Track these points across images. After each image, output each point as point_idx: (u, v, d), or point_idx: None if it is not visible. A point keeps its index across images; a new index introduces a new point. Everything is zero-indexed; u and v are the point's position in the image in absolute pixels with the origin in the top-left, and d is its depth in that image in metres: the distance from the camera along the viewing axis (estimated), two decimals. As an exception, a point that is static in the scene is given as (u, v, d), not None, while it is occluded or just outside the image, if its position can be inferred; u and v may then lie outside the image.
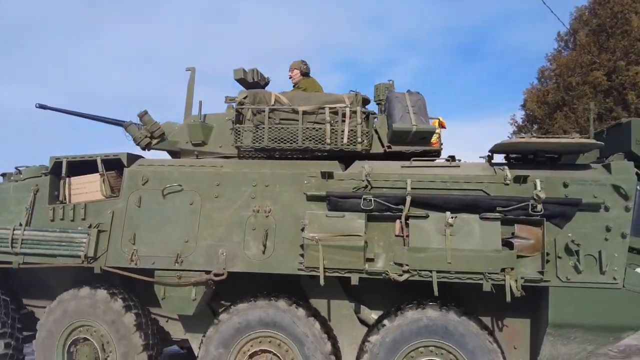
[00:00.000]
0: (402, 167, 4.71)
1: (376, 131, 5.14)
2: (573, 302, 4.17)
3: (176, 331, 5.31)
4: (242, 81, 5.75)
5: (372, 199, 4.39)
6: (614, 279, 4.13)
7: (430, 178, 4.51)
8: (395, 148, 5.04)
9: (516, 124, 22.15)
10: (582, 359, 4.36)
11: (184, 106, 5.62)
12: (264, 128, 4.82)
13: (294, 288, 4.93)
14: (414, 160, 4.74)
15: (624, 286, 4.13)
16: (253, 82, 5.80)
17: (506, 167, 4.46)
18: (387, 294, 4.76)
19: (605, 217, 4.23)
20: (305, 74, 5.82)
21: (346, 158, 4.94)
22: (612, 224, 4.20)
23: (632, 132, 4.57)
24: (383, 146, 5.09)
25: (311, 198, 4.57)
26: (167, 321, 5.35)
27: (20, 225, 4.93)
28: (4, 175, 5.62)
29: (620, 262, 4.15)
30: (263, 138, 4.82)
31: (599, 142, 4.40)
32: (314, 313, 4.67)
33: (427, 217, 4.32)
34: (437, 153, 5.21)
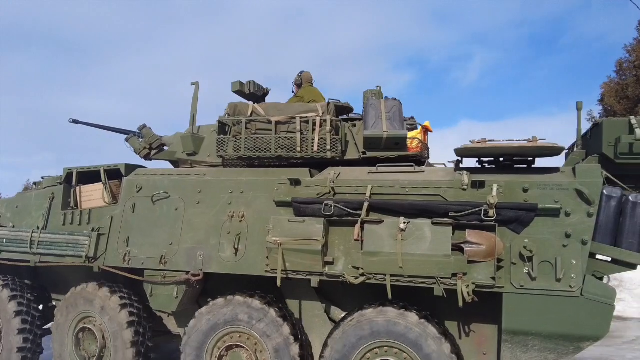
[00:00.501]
0: (369, 172, 4.83)
1: (354, 137, 5.30)
2: (528, 309, 4.08)
3: (175, 326, 5.76)
4: (239, 93, 6.11)
5: (333, 204, 4.56)
6: (571, 286, 4.00)
7: (390, 184, 4.60)
8: (370, 154, 5.18)
9: (594, 120, 20.85)
10: None
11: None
12: (241, 138, 5.14)
13: (274, 288, 5.19)
14: (379, 166, 4.85)
15: (582, 294, 3.99)
16: (250, 94, 6.15)
17: (465, 173, 4.45)
18: (358, 296, 4.88)
19: (566, 223, 4.10)
20: (300, 85, 6.10)
21: (322, 165, 5.14)
22: (573, 229, 4.06)
23: (604, 134, 4.37)
24: (359, 152, 5.23)
25: (280, 204, 4.82)
26: (168, 316, 5.82)
27: (38, 228, 5.62)
28: (35, 184, 6.39)
29: (579, 269, 4.01)
30: (241, 147, 5.15)
31: (559, 146, 4.27)
32: (284, 314, 4.89)
33: (381, 222, 4.42)
34: (415, 158, 5.26)
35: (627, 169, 4.33)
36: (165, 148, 6.00)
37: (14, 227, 5.80)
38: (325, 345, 4.68)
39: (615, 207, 4.13)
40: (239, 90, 6.06)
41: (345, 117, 5.54)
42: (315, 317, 5.04)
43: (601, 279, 4.24)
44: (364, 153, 5.21)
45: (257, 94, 6.23)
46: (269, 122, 5.11)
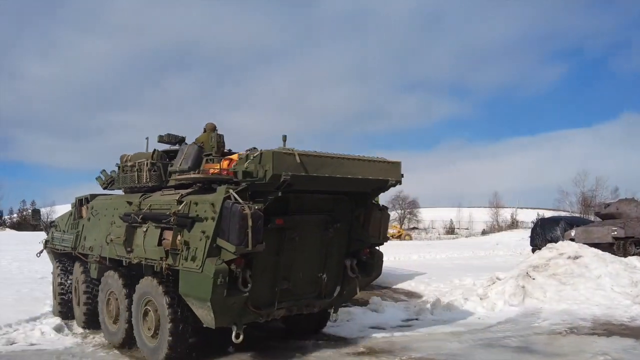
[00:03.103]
0: (161, 195, 7.73)
1: None
2: (187, 280, 6.49)
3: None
4: (161, 141, 9.48)
5: (132, 215, 7.65)
6: (197, 266, 6.29)
7: (156, 202, 7.45)
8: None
9: None
10: (209, 322, 6.47)
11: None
12: (119, 177, 8.61)
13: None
14: (164, 189, 7.71)
15: (202, 271, 6.24)
16: (168, 141, 9.45)
17: (181, 192, 7.03)
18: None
19: (205, 225, 6.39)
20: (205, 130, 9.09)
21: (157, 190, 8.19)
22: (205, 229, 6.33)
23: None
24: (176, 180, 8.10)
25: (121, 216, 8.09)
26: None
27: (64, 231, 10.10)
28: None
29: (202, 254, 6.26)
30: (120, 182, 8.62)
31: (199, 176, 6.53)
32: (126, 282, 8.08)
33: (141, 225, 7.34)
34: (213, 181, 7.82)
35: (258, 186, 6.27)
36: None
37: (60, 230, 10.45)
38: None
39: (228, 213, 6.20)
40: (160, 140, 9.43)
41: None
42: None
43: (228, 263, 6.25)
44: (178, 181, 8.05)
45: (173, 141, 9.49)
46: (127, 165, 8.46)
